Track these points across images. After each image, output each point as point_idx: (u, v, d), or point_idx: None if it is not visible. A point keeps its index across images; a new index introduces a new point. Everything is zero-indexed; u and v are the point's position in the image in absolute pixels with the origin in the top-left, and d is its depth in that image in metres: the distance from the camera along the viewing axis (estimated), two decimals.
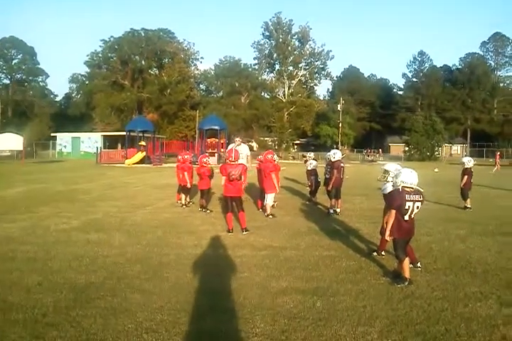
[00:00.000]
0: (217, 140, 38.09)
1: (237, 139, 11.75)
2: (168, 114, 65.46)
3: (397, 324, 4.08)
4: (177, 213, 10.45)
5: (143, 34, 68.71)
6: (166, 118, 65.92)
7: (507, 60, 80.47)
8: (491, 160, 51.44)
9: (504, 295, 4.80)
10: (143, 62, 69.63)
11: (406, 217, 5.24)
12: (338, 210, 10.43)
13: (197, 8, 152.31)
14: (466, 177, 11.12)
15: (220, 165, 8.88)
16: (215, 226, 8.68)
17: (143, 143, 36.92)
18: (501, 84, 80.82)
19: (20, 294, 4.76)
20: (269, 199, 10.13)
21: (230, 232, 8.06)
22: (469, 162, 11.31)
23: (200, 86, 78.51)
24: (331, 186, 10.32)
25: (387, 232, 5.31)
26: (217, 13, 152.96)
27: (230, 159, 8.21)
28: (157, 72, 70.84)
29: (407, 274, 5.20)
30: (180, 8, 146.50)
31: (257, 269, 5.80)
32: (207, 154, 12.15)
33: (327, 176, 10.60)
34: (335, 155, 10.44)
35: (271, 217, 9.88)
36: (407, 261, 5.26)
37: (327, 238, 7.74)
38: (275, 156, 10.83)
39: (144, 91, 66.21)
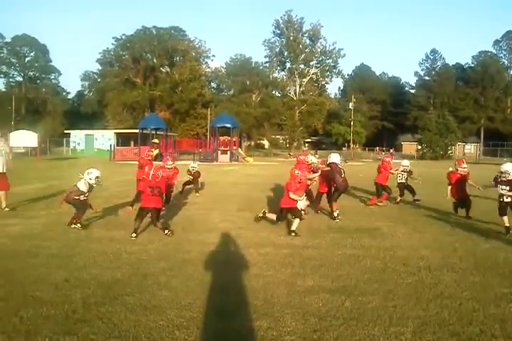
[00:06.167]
0: (229, 138, 38.10)
1: None
2: (180, 111, 65.50)
3: (430, 324, 4.03)
4: (194, 210, 10.46)
5: (154, 32, 68.79)
6: (177, 116, 65.98)
7: None
8: (505, 159, 50.86)
9: None
10: (154, 60, 69.71)
11: None
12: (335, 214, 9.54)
13: (208, 6, 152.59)
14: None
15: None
16: (235, 224, 8.67)
17: (156, 140, 37.03)
18: None
19: (48, 290, 4.78)
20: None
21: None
22: None
23: (212, 84, 78.42)
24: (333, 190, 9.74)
25: None
26: (228, 11, 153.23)
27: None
28: (168, 70, 70.87)
29: None
30: (191, 5, 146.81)
31: (281, 267, 5.77)
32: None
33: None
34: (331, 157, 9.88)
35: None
36: None
37: (348, 237, 7.68)
38: (309, 158, 10.12)
39: (155, 89, 66.35)
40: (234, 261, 6.08)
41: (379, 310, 4.35)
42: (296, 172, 8.36)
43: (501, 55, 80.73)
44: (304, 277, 5.37)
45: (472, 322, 4.09)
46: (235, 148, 38.19)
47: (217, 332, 3.88)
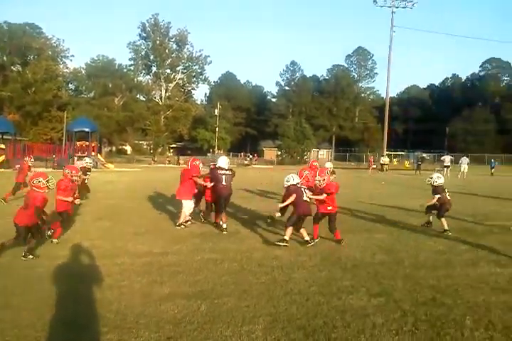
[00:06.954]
0: (87, 143, 36.09)
1: None
2: (32, 114, 60.14)
3: (279, 320, 4.26)
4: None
5: (5, 27, 62.46)
6: (29, 119, 60.42)
7: (368, 72, 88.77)
8: (353, 163, 56.45)
9: (372, 288, 5.27)
10: (4, 57, 63.14)
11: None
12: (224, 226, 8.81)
13: (68, 4, 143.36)
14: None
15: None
16: (89, 234, 8.20)
17: (2, 145, 33.45)
18: (362, 95, 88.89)
19: None
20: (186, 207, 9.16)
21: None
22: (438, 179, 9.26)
23: (70, 85, 73.66)
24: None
25: None
26: (89, 10, 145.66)
27: None
28: (21, 69, 64.77)
29: None
30: (49, 2, 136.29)
31: (138, 276, 5.61)
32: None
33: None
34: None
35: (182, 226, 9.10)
36: None
37: (208, 241, 7.77)
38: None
39: (4, 89, 60.09)
40: (86, 274, 5.74)
41: (233, 311, 4.46)
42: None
43: (352, 69, 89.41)
44: (161, 284, 5.29)
45: (317, 315, 4.41)
46: (93, 153, 36.23)
47: None
